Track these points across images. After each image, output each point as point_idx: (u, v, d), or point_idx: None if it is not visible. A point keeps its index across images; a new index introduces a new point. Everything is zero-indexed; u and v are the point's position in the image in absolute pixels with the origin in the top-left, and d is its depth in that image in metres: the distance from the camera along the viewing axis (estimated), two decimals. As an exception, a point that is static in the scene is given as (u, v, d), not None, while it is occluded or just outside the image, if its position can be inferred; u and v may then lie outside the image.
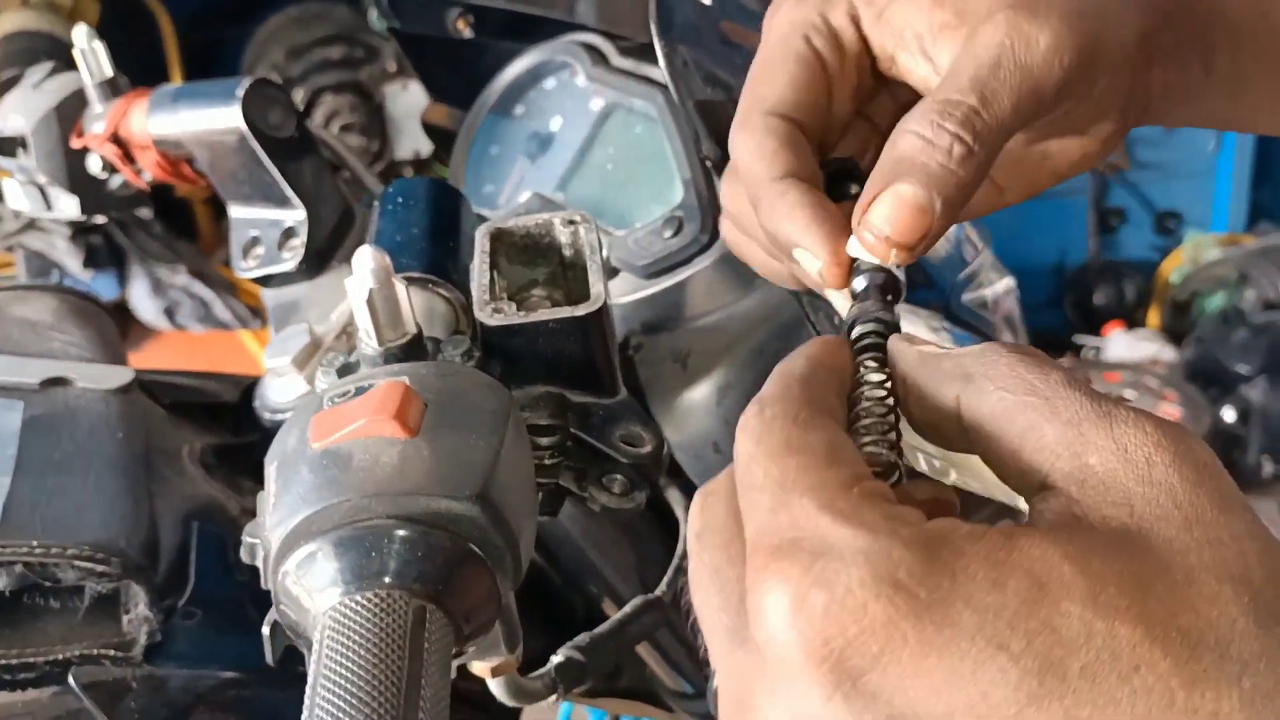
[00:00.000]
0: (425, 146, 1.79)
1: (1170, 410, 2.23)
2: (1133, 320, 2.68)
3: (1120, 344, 2.57)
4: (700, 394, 0.65)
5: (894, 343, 0.36)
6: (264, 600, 0.66)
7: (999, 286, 0.78)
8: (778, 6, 0.43)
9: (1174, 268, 2.71)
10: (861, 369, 0.36)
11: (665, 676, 0.75)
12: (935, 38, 0.40)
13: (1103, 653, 0.25)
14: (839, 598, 0.26)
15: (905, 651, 0.25)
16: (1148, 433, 0.29)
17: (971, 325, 0.72)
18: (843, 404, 0.35)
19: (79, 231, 1.70)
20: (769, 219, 0.40)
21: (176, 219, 1.89)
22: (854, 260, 0.39)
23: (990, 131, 0.37)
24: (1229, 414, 2.30)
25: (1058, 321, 2.71)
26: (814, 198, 0.39)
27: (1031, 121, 0.39)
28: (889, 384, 0.35)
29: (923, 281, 0.72)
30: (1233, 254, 2.62)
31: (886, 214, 0.37)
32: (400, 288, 0.42)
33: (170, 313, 1.77)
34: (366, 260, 0.40)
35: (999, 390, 0.31)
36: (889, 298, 0.39)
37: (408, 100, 1.79)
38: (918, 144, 0.37)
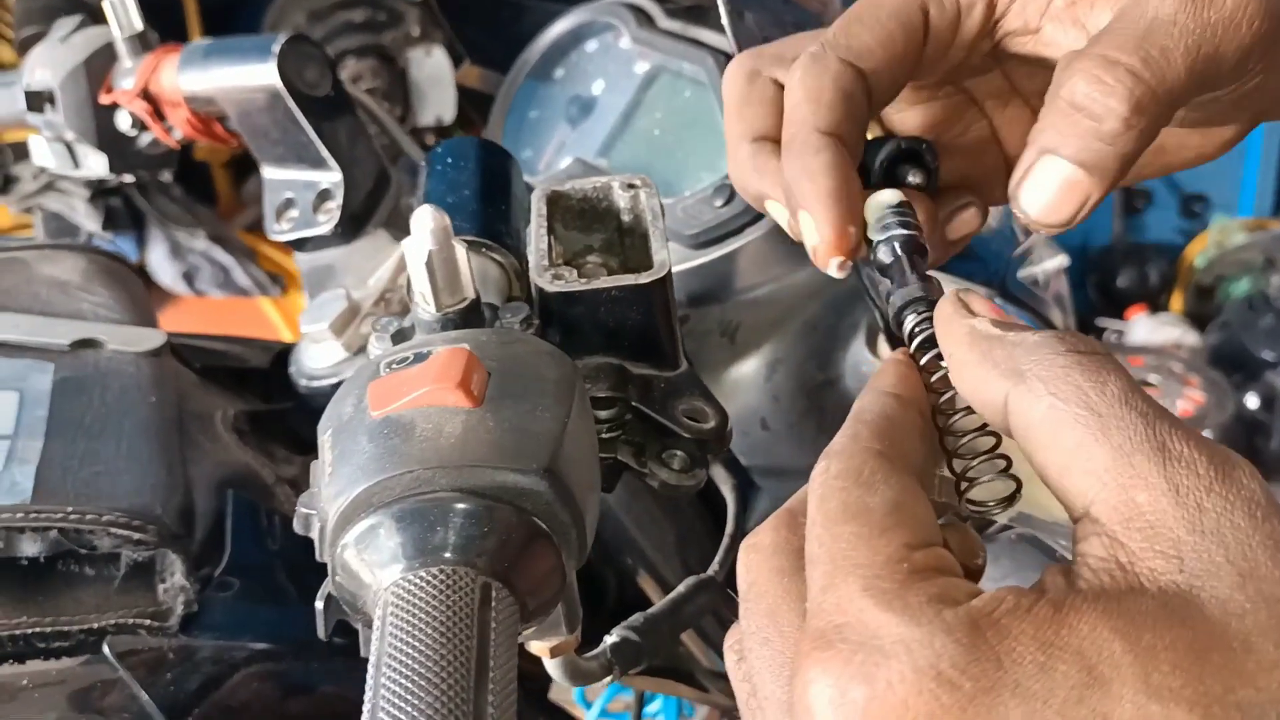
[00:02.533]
0: (448, 112, 1.77)
1: (1193, 396, 2.21)
2: (1156, 304, 2.65)
3: (1143, 328, 2.54)
4: (748, 368, 0.63)
5: (943, 312, 0.34)
6: (296, 570, 0.65)
7: (1050, 265, 0.76)
8: None
9: (1199, 251, 2.67)
10: (934, 375, 0.34)
11: (701, 655, 0.74)
12: (1093, 4, 0.37)
13: None
14: (879, 693, 0.25)
15: None
16: (1200, 474, 0.27)
17: (1025, 303, 0.70)
18: (922, 437, 0.33)
19: (98, 193, 1.68)
20: (793, 168, 0.37)
21: (196, 183, 1.87)
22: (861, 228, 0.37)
23: (1156, 97, 0.33)
24: (1253, 400, 2.27)
25: (1080, 303, 2.68)
26: (844, 169, 0.37)
27: (1204, 94, 0.35)
28: None
29: (972, 256, 0.70)
30: (1259, 239, 2.58)
31: (1035, 191, 0.34)
32: (460, 250, 0.40)
33: (189, 277, 1.75)
34: (426, 220, 0.38)
35: (1051, 397, 0.29)
36: (920, 260, 0.36)
37: (431, 65, 1.76)
38: (1067, 111, 0.33)
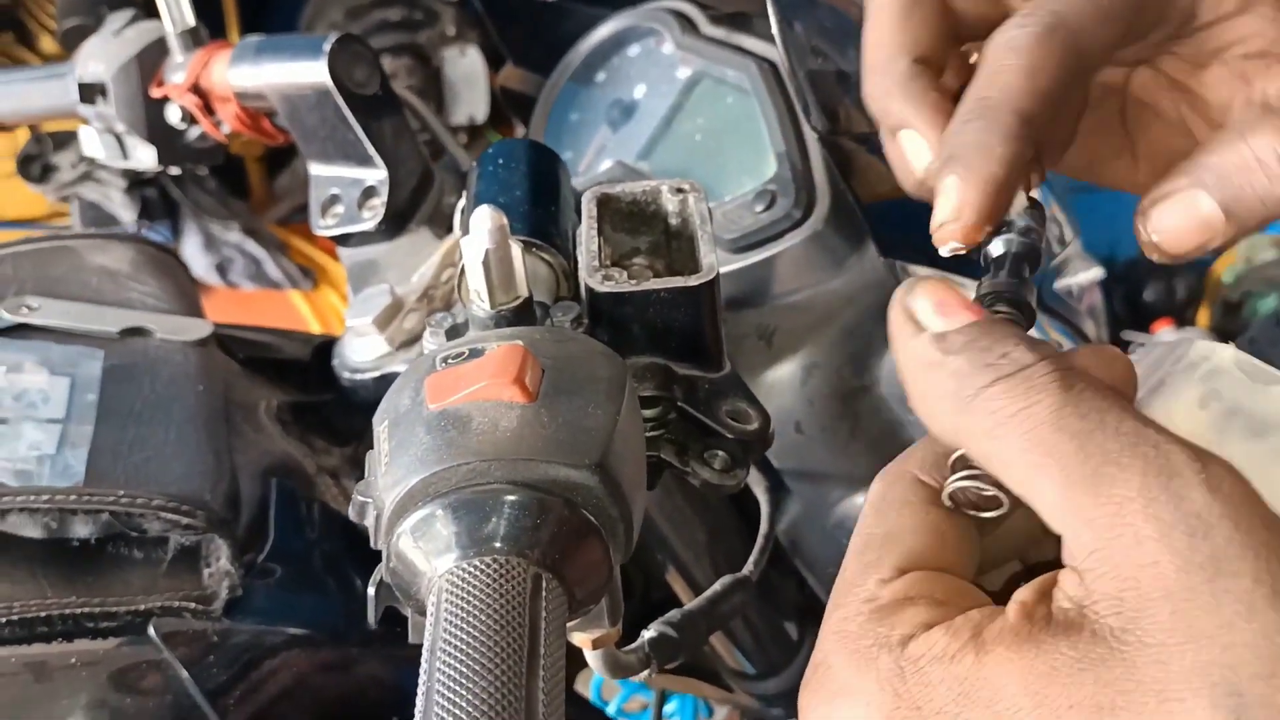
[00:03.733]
0: (481, 112, 1.79)
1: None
2: (1183, 318, 2.63)
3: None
4: (784, 372, 0.64)
5: (893, 326, 0.32)
6: (331, 559, 0.66)
7: (1085, 276, 0.77)
8: None
9: (1227, 266, 2.65)
10: None
11: (727, 655, 0.75)
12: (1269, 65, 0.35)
13: None
14: None
15: None
16: (1134, 495, 0.26)
17: (1059, 314, 0.71)
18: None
19: (134, 184, 1.71)
20: (975, 138, 0.34)
21: (229, 176, 1.90)
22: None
23: None
24: (1278, 418, 2.26)
25: (1106, 316, 2.66)
26: (1024, 164, 0.34)
27: None
28: None
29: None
30: (1288, 255, 2.56)
31: (1167, 217, 0.33)
32: (516, 249, 0.41)
33: (222, 269, 1.78)
34: (485, 220, 0.39)
35: (990, 437, 0.28)
36: (1027, 271, 0.36)
37: (466, 65, 1.78)
38: (1244, 157, 0.33)
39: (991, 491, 0.32)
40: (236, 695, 0.55)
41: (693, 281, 0.43)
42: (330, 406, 0.72)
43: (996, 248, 0.36)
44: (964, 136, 0.34)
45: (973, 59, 0.40)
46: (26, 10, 1.96)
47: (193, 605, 0.54)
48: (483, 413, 0.36)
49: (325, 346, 0.76)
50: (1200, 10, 0.36)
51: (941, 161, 0.35)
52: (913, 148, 0.37)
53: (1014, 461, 0.28)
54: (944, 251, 0.35)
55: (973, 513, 0.33)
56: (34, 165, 1.67)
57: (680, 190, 0.47)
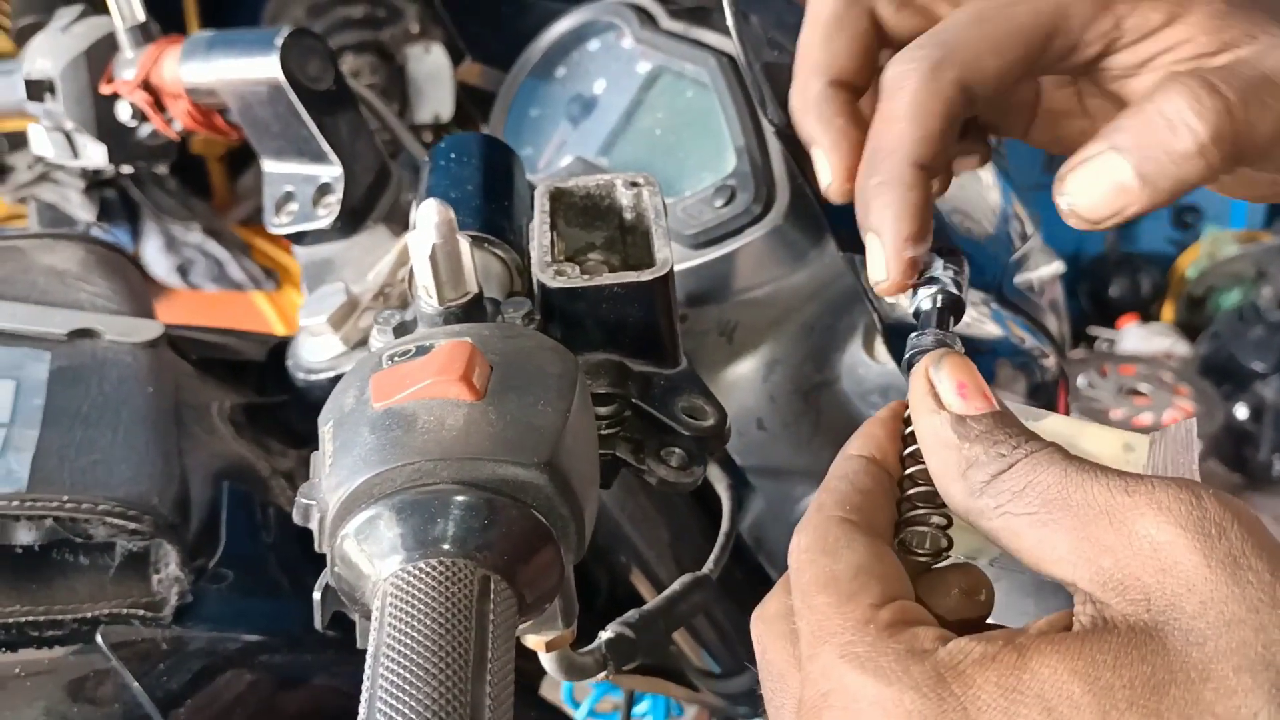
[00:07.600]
0: (446, 110, 1.77)
1: (1183, 405, 2.22)
2: (1147, 314, 2.66)
3: (1134, 337, 2.55)
4: (745, 368, 0.63)
5: (914, 396, 0.35)
6: (289, 563, 0.65)
7: (1046, 271, 0.77)
8: None
9: (1190, 262, 2.69)
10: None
11: (692, 654, 0.74)
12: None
13: None
14: None
15: None
16: (1145, 512, 0.28)
17: (1021, 309, 0.70)
18: (888, 496, 0.35)
19: (93, 184, 1.68)
20: (877, 194, 0.37)
21: (191, 176, 1.87)
22: (921, 266, 0.38)
23: (1236, 140, 0.33)
24: (1242, 411, 2.29)
25: (1072, 312, 2.68)
26: (929, 209, 0.37)
27: (1274, 159, 0.34)
28: None
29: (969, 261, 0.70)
30: (1250, 250, 2.60)
31: (1083, 182, 0.34)
32: (464, 244, 0.40)
33: (183, 270, 1.75)
34: (431, 214, 0.38)
35: (1002, 512, 0.31)
36: (952, 322, 0.38)
37: (430, 62, 1.76)
38: (1153, 118, 0.33)
39: (945, 541, 0.35)
40: (188, 704, 0.54)
41: (646, 276, 0.42)
42: (286, 408, 0.71)
43: (924, 301, 0.38)
44: (870, 194, 0.37)
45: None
46: (-18, 8, 1.92)
47: (141, 612, 0.53)
48: (429, 411, 0.35)
49: (281, 347, 0.74)
50: (1125, 29, 0.36)
51: (860, 220, 0.37)
52: (819, 164, 0.39)
53: (1023, 529, 0.30)
54: (884, 295, 0.39)
55: (917, 558, 0.35)
56: (-11, 166, 1.64)
57: (634, 184, 0.47)
